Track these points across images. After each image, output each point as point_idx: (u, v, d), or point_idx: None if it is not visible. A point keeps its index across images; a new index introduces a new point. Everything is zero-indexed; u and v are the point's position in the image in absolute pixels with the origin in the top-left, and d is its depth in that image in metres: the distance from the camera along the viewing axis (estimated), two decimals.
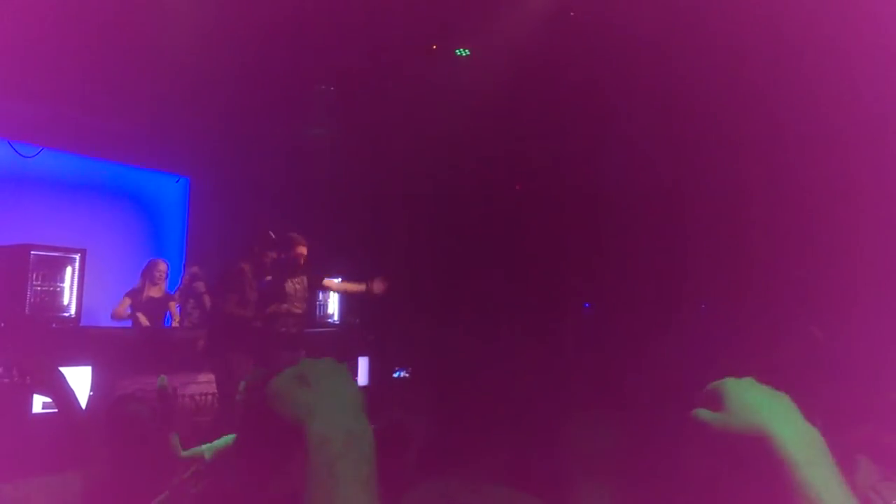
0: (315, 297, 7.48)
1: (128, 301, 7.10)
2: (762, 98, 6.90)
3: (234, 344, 5.80)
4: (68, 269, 5.72)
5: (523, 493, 1.97)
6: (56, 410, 2.60)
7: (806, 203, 6.92)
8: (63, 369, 2.60)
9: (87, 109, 8.08)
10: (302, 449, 1.04)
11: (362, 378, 8.54)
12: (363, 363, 8.61)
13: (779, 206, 7.12)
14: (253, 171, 9.45)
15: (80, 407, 2.60)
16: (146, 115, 8.53)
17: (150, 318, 7.10)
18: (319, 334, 7.47)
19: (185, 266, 8.48)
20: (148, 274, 7.27)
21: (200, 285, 7.66)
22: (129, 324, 7.21)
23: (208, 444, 3.89)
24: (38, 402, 4.80)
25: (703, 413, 0.96)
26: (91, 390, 5.34)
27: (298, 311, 6.56)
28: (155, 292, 7.29)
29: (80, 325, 5.81)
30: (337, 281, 6.98)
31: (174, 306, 7.52)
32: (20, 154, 7.80)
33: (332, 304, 8.38)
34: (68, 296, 5.68)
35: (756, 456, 0.90)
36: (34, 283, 5.52)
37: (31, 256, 5.52)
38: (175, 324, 7.46)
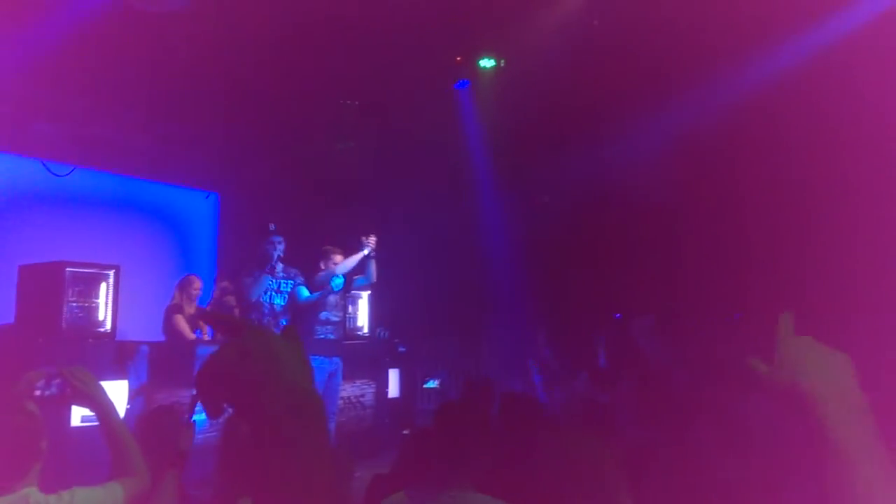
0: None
1: (180, 317, 7.29)
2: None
3: None
4: (103, 285, 5.78)
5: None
6: (95, 423, 2.64)
7: None
8: (102, 384, 2.64)
9: (117, 128, 8.22)
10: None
11: (393, 390, 8.55)
12: (394, 375, 8.62)
13: None
14: (280, 185, 9.54)
15: (120, 419, 2.63)
16: (175, 132, 8.67)
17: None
18: (351, 346, 7.49)
19: (215, 281, 8.55)
20: (185, 290, 7.40)
21: (231, 300, 7.73)
22: (162, 338, 7.32)
23: None
24: (77, 415, 4.86)
25: (757, 364, 0.98)
26: (128, 403, 5.40)
27: (336, 319, 6.82)
28: (190, 308, 7.43)
29: (116, 339, 5.87)
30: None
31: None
32: (53, 173, 7.94)
33: (362, 317, 8.39)
34: (103, 311, 5.75)
35: (797, 411, 0.92)
36: (70, 299, 5.59)
37: (67, 273, 5.59)
38: (204, 336, 7.53)
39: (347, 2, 6.55)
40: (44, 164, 7.86)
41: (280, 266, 6.63)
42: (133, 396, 5.51)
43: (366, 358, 7.97)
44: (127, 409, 5.35)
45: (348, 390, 7.52)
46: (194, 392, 1.11)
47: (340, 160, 9.29)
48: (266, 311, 6.42)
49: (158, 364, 5.88)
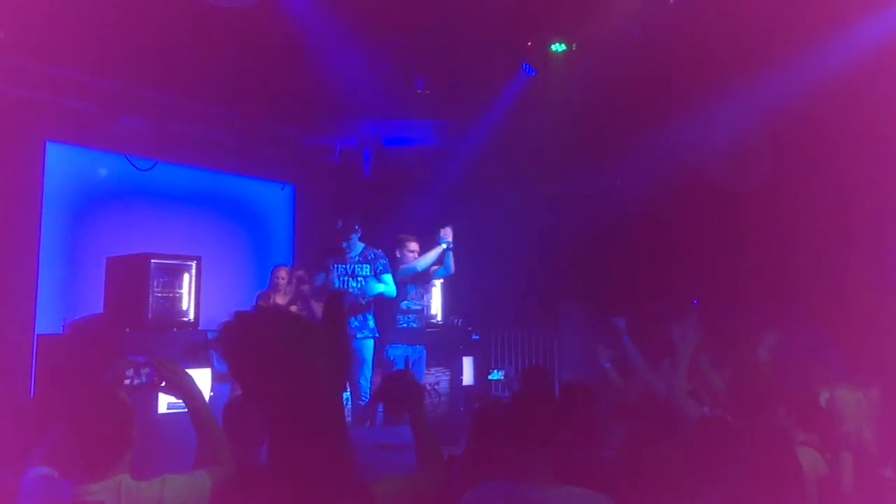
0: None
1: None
2: None
3: None
4: (185, 276, 5.92)
5: None
6: (182, 410, 2.71)
7: None
8: (188, 373, 2.71)
9: (196, 123, 8.44)
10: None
11: (468, 377, 8.56)
12: (468, 363, 8.63)
13: None
14: (355, 175, 9.65)
15: (208, 407, 2.70)
16: (251, 125, 8.85)
17: None
18: (427, 334, 7.53)
19: (291, 271, 8.70)
20: (271, 280, 7.69)
21: (307, 288, 7.84)
22: None
23: None
24: (164, 402, 5.01)
25: None
26: (211, 391, 5.53)
27: (417, 307, 6.90)
28: (279, 298, 7.67)
29: (199, 328, 6.01)
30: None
31: (295, 309, 7.79)
32: (137, 168, 8.19)
33: (436, 305, 8.42)
34: (186, 301, 5.89)
35: None
36: (154, 290, 5.75)
37: (151, 265, 5.74)
38: None
39: None
40: (128, 159, 8.11)
41: (358, 248, 6.61)
42: (216, 384, 5.64)
43: (440, 346, 8.00)
44: (210, 397, 5.48)
45: (424, 378, 7.57)
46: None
47: (413, 150, 9.33)
48: None
49: None
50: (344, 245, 6.56)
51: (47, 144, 7.40)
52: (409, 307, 6.81)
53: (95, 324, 6.14)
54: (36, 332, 6.84)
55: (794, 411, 3.47)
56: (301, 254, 9.64)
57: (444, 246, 6.81)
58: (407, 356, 6.48)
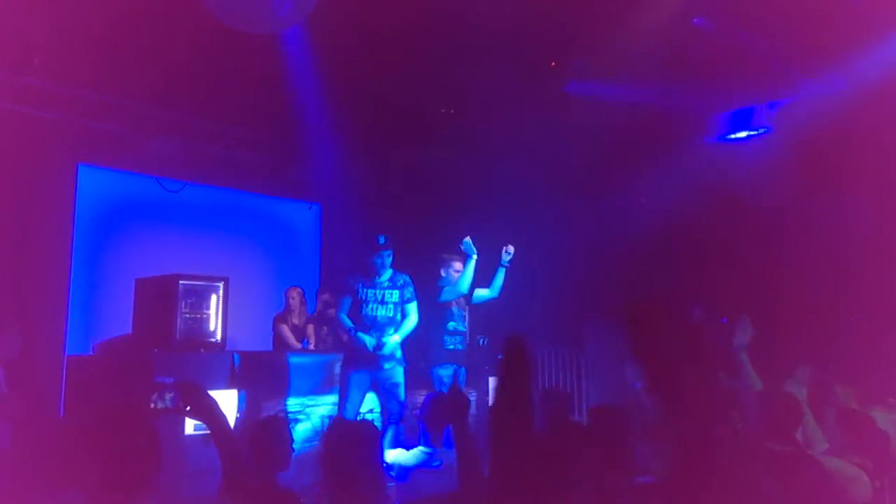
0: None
1: (285, 326, 7.53)
2: None
3: None
4: (213, 297, 5.97)
5: None
6: (208, 432, 2.72)
7: None
8: (212, 392, 2.72)
9: (224, 145, 8.53)
10: None
11: (491, 397, 8.51)
12: (493, 383, 8.57)
13: None
14: (380, 194, 9.67)
15: (231, 430, 2.70)
16: (278, 146, 8.93)
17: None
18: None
19: (317, 294, 8.72)
20: (286, 301, 7.70)
21: (333, 312, 7.85)
22: (270, 347, 7.58)
23: None
24: (190, 424, 5.03)
25: None
26: (238, 412, 5.55)
27: (463, 329, 6.77)
28: (294, 318, 7.69)
29: (226, 349, 6.04)
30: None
31: (311, 330, 7.79)
32: (166, 189, 8.30)
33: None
34: (214, 322, 5.93)
35: None
36: (183, 310, 5.79)
37: (180, 286, 5.80)
38: (311, 346, 7.70)
39: (445, 11, 6.57)
40: (157, 181, 8.22)
41: (388, 273, 6.10)
42: (243, 405, 5.66)
43: (467, 366, 7.96)
44: (237, 418, 5.50)
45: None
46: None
47: (440, 168, 9.34)
48: (368, 322, 5.97)
49: (266, 373, 6.03)
50: (378, 261, 6.02)
51: (79, 167, 7.52)
52: (455, 329, 6.66)
53: (124, 345, 6.22)
54: (66, 353, 6.93)
55: (849, 434, 3.42)
56: (328, 273, 9.68)
57: (505, 262, 6.73)
58: (455, 374, 6.45)
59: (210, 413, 2.61)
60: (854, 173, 7.10)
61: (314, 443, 5.93)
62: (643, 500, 2.91)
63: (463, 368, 6.76)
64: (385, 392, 5.98)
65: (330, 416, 6.30)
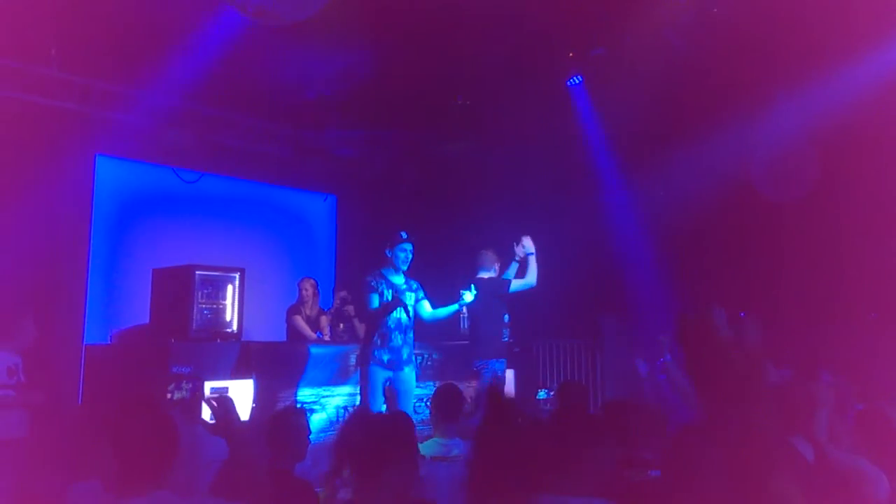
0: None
1: (298, 317, 7.54)
2: None
3: None
4: (229, 288, 5.98)
5: None
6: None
7: None
8: (227, 382, 2.74)
9: (240, 136, 8.55)
10: None
11: (509, 391, 8.49)
12: (510, 375, 8.56)
13: None
14: (397, 185, 9.68)
15: (246, 443, 2.73)
16: (294, 137, 8.94)
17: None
18: (463, 346, 7.48)
19: (333, 291, 8.72)
20: (300, 292, 7.72)
21: (350, 309, 7.84)
22: (284, 338, 7.60)
23: None
24: (207, 415, 5.05)
25: None
26: (254, 402, 5.57)
27: (507, 320, 6.57)
28: (307, 309, 7.70)
29: (242, 339, 6.06)
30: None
31: (325, 322, 7.80)
32: (183, 180, 8.34)
33: None
34: (230, 312, 5.95)
35: None
36: (199, 301, 5.81)
37: (196, 276, 5.81)
38: (325, 337, 7.72)
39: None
40: (175, 171, 8.26)
41: (402, 277, 5.95)
42: (257, 395, 5.68)
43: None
44: (252, 408, 5.52)
45: (468, 391, 7.50)
46: None
47: (454, 161, 9.32)
48: (391, 323, 5.76)
49: (281, 363, 6.04)
50: (402, 255, 5.83)
51: (97, 158, 7.56)
52: (508, 320, 6.54)
53: (141, 334, 6.24)
54: (85, 342, 6.98)
55: (868, 433, 3.39)
56: (343, 265, 9.69)
57: (532, 252, 6.46)
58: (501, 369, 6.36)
59: (230, 429, 2.64)
60: (873, 170, 7.02)
61: (329, 433, 5.95)
62: (654, 494, 2.90)
63: (504, 360, 6.56)
64: (401, 393, 5.91)
65: (345, 407, 6.31)
